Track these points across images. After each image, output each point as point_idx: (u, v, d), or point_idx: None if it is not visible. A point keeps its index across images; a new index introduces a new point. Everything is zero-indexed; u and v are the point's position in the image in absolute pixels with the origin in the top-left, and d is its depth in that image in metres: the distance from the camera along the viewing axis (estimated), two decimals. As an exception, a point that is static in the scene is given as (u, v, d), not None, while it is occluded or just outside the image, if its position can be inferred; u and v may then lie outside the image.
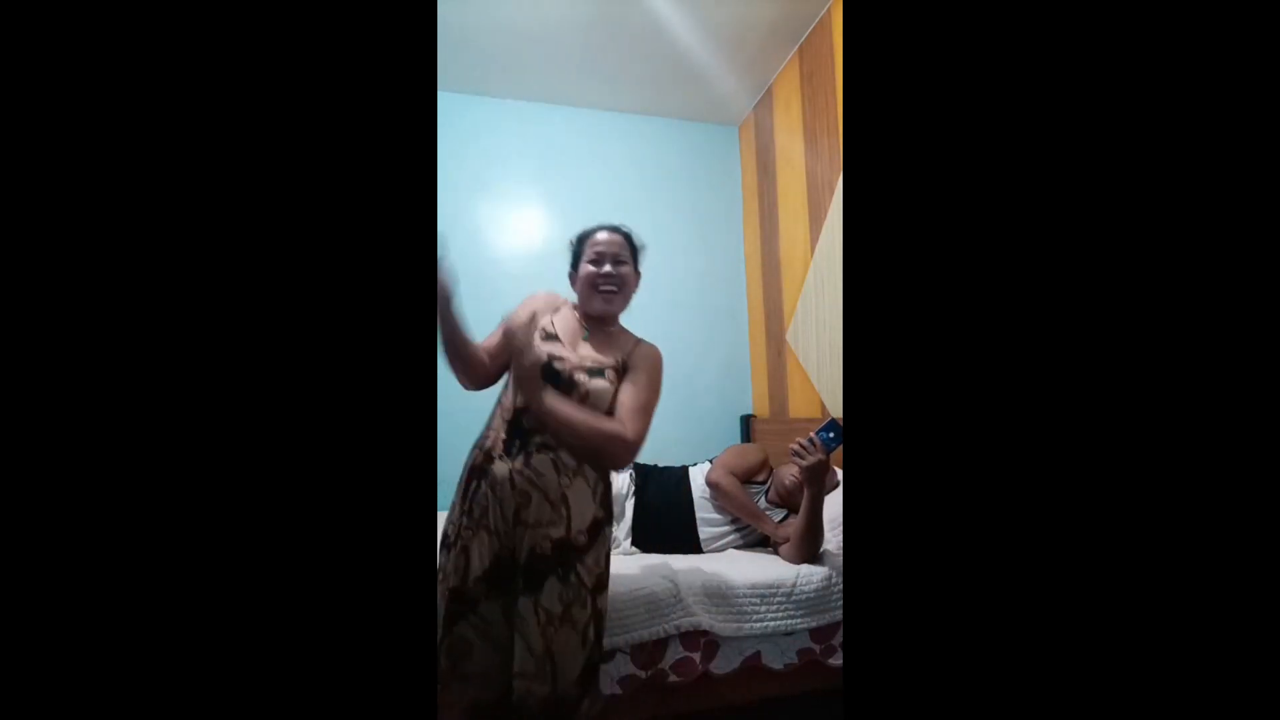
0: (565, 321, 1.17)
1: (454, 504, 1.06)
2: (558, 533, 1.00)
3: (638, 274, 1.23)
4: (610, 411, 1.09)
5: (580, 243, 1.21)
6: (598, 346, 1.16)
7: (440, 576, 1.01)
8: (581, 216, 2.55)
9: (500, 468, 1.02)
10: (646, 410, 1.12)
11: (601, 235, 1.18)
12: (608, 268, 1.15)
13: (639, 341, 1.23)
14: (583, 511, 1.03)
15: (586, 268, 1.17)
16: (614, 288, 1.16)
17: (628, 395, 1.13)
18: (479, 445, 1.09)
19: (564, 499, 1.01)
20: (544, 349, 1.08)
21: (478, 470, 1.05)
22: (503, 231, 2.53)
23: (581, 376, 1.08)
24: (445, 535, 1.04)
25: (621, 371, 1.13)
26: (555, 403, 1.03)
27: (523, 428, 1.04)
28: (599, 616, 1.02)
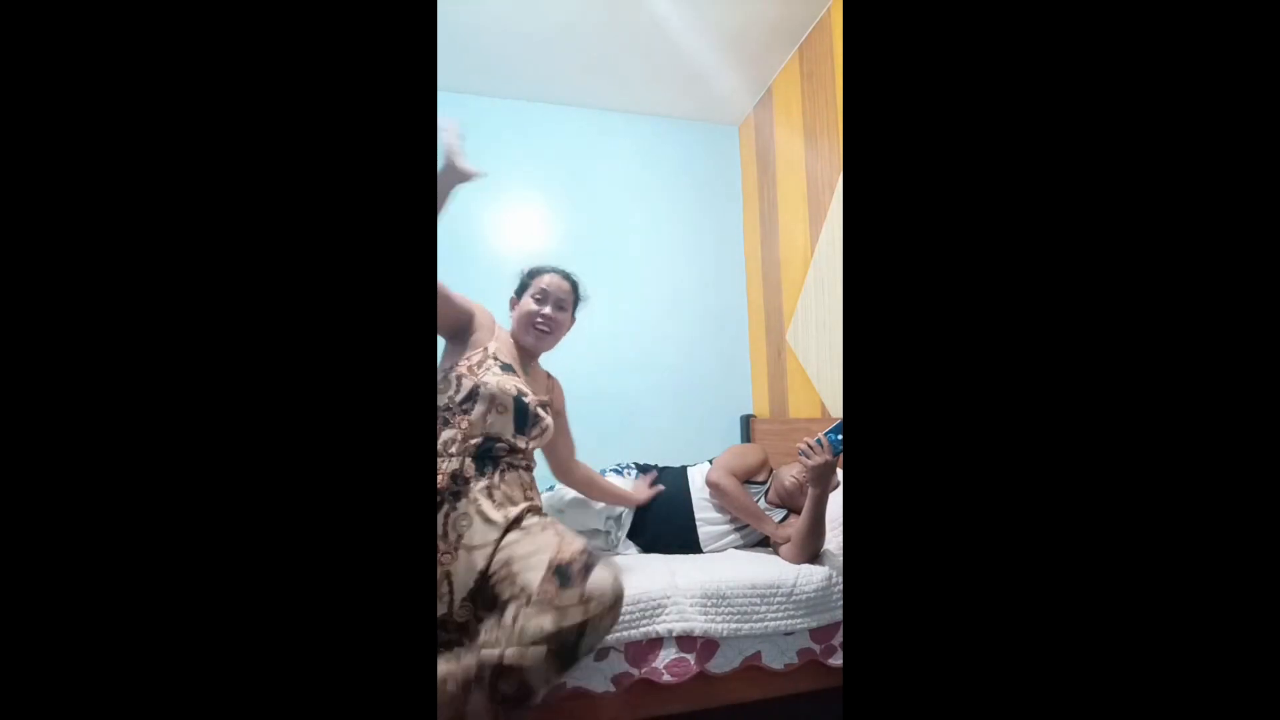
0: (509, 352, 1.25)
1: None
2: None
3: (573, 319, 1.34)
4: (553, 447, 1.36)
5: (530, 276, 1.31)
6: (532, 380, 1.27)
7: None
8: (581, 216, 2.58)
9: (477, 485, 1.07)
10: None
11: (551, 277, 1.29)
12: (548, 309, 1.26)
13: (550, 376, 1.40)
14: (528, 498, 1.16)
15: (529, 303, 1.27)
16: (548, 329, 1.27)
17: (567, 437, 1.42)
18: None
19: (528, 497, 1.14)
20: (508, 381, 1.15)
21: (449, 494, 1.05)
22: (503, 231, 2.53)
23: (541, 412, 1.19)
24: None
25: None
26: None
27: (494, 454, 1.11)
28: None
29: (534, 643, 0.89)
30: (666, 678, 1.19)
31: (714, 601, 1.24)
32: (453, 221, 2.46)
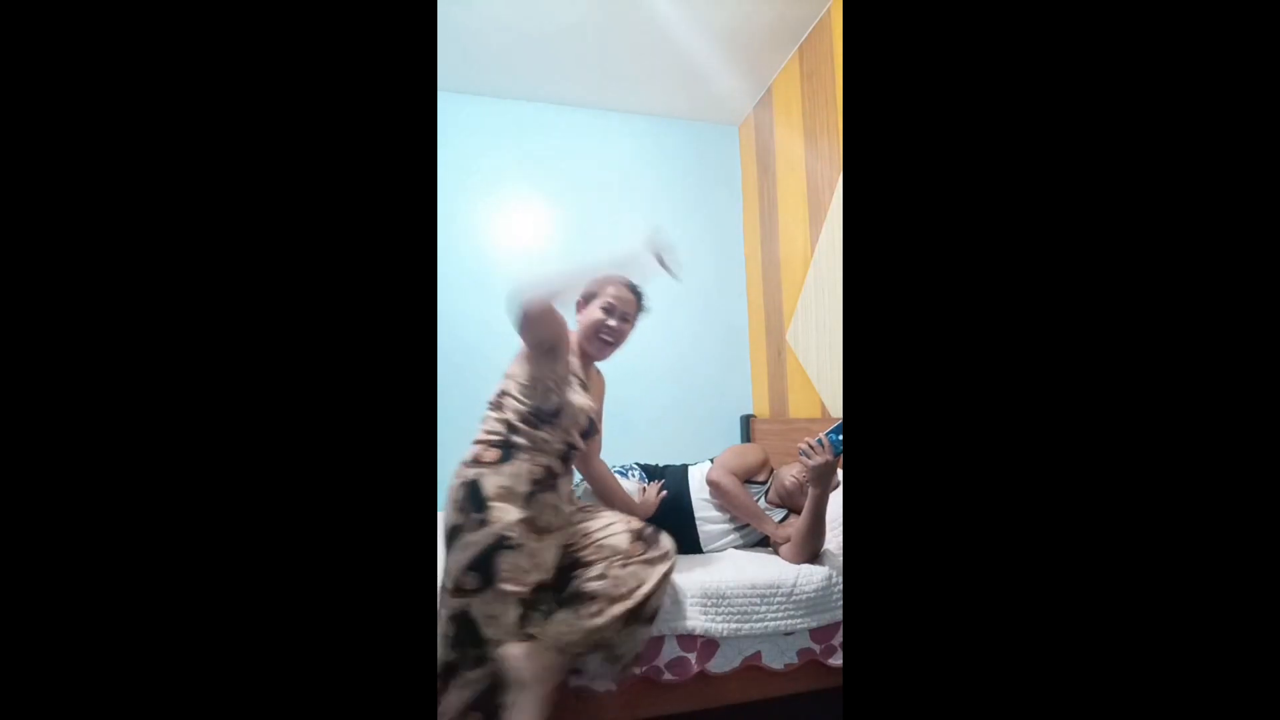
0: (579, 364, 1.28)
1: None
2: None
3: (633, 328, 1.36)
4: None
5: (600, 284, 1.30)
6: (591, 384, 1.33)
7: (509, 575, 1.06)
8: (582, 216, 2.58)
9: (564, 483, 1.20)
10: None
11: (619, 289, 1.29)
12: (614, 321, 1.27)
13: (598, 372, 1.43)
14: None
15: (597, 312, 1.27)
16: (612, 340, 1.29)
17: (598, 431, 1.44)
18: (529, 462, 1.14)
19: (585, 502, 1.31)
20: (585, 400, 1.22)
21: (543, 483, 1.14)
22: (503, 231, 2.53)
23: (598, 423, 1.30)
24: (506, 537, 1.07)
25: None
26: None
27: (568, 458, 1.22)
28: None
29: (634, 593, 1.11)
30: (667, 677, 1.19)
31: (714, 601, 1.24)
32: (452, 221, 2.47)
